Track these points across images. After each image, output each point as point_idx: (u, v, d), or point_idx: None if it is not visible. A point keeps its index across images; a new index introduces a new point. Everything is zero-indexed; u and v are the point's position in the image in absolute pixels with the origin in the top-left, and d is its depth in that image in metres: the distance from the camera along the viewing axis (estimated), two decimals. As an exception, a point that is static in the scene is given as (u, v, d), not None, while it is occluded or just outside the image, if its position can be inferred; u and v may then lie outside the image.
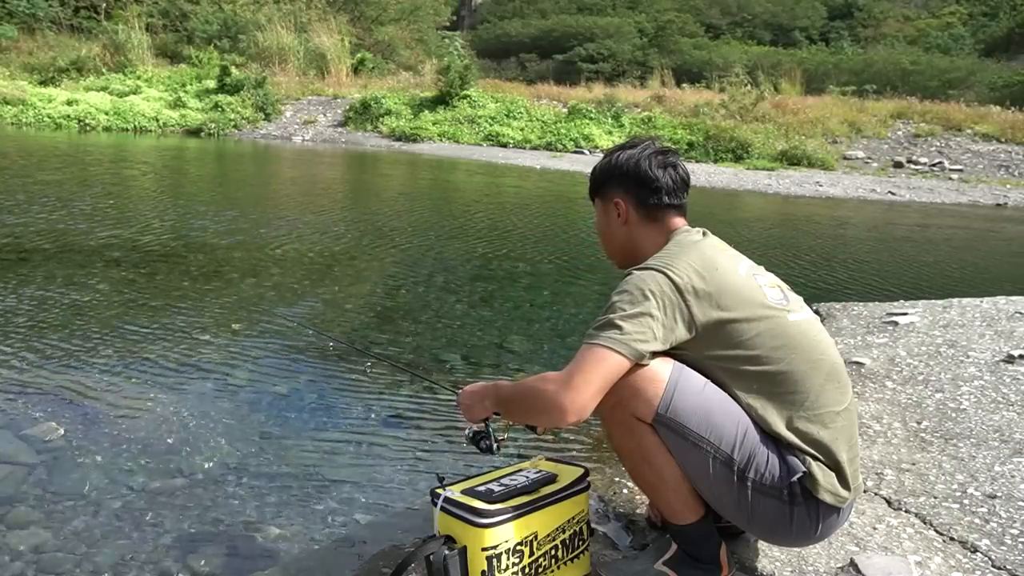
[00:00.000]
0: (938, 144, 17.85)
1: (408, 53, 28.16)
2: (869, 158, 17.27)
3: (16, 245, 5.20)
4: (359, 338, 3.77)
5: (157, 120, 17.60)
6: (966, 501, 1.98)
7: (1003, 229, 10.33)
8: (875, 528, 1.85)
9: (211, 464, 2.36)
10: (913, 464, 2.22)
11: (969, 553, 1.75)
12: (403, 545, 1.94)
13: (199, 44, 23.14)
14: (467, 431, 1.73)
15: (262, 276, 4.87)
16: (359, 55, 24.18)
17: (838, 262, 6.82)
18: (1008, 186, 14.96)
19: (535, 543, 1.53)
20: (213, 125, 17.63)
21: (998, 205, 12.70)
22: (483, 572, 1.46)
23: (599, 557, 1.74)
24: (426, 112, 19.15)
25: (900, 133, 18.57)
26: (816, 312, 4.03)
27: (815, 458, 1.44)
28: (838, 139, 18.09)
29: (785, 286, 1.58)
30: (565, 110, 19.39)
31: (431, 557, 1.47)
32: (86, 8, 25.69)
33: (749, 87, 20.42)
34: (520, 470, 1.69)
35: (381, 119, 18.78)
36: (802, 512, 1.45)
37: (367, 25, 28.76)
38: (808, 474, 1.43)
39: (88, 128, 16.59)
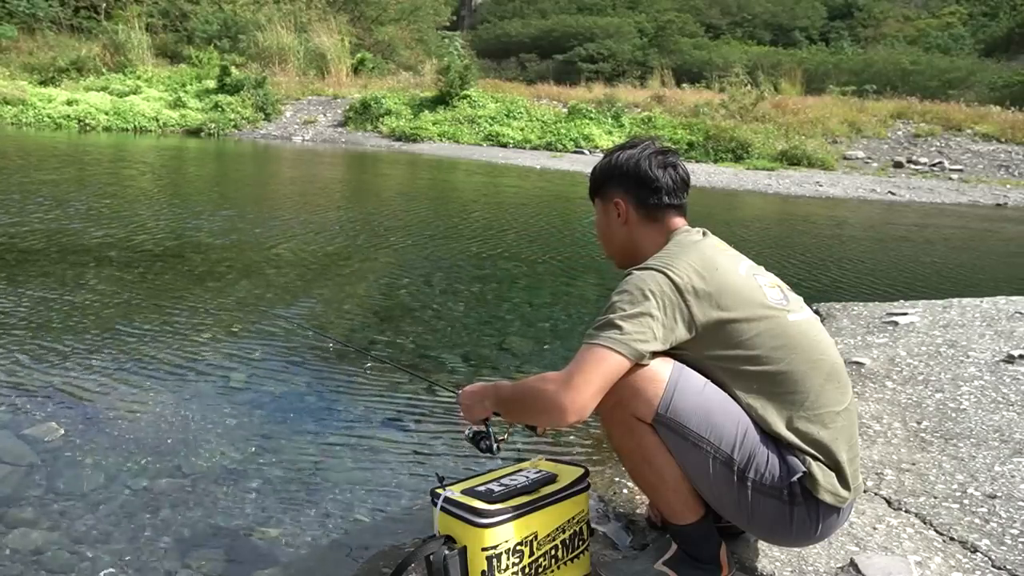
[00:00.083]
0: (938, 144, 17.85)
1: (408, 53, 28.16)
2: (869, 158, 17.27)
3: (12, 245, 5.20)
4: (359, 338, 3.77)
5: (157, 120, 17.60)
6: (966, 501, 1.99)
7: (1003, 229, 10.33)
8: (875, 528, 1.85)
9: (211, 464, 2.36)
10: (913, 464, 2.22)
11: (969, 553, 1.75)
12: (403, 545, 1.94)
13: (199, 44, 23.15)
14: (467, 431, 1.73)
15: (261, 276, 4.87)
16: (359, 55, 24.19)
17: (837, 262, 6.82)
18: (1008, 186, 14.96)
19: (535, 543, 1.53)
20: (213, 125, 17.63)
21: (998, 205, 12.70)
22: (483, 572, 1.46)
23: (599, 557, 1.74)
24: (426, 112, 19.15)
25: (900, 133, 18.57)
26: (816, 312, 4.03)
27: (815, 458, 1.44)
28: (838, 139, 18.09)
29: (785, 286, 1.58)
30: (565, 110, 19.40)
31: (431, 557, 1.47)
32: (86, 8, 25.70)
33: (749, 87, 20.42)
34: (520, 470, 1.69)
35: (381, 119, 18.78)
36: (802, 512, 1.45)
37: (367, 25, 28.76)
38: (808, 474, 1.43)
39: (88, 128, 16.59)
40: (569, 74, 31.99)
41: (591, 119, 18.55)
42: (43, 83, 19.27)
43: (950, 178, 15.71)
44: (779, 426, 1.45)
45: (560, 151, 17.32)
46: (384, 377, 3.21)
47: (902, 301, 4.68)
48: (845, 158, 17.21)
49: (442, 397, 2.95)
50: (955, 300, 4.51)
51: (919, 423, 2.55)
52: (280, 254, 5.53)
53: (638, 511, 2.00)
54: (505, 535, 1.47)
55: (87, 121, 16.75)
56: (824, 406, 1.46)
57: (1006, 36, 35.69)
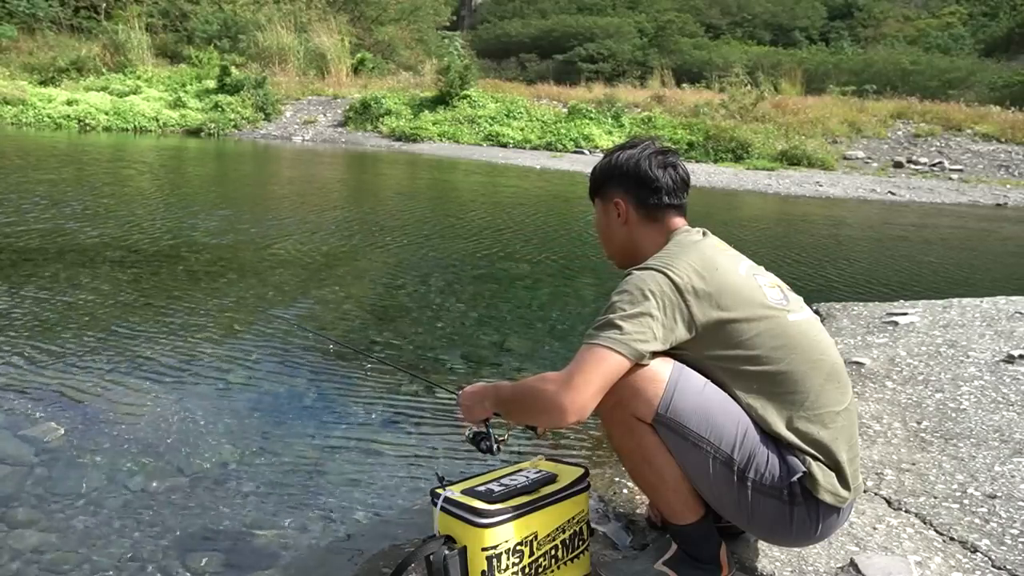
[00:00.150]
0: (938, 144, 17.85)
1: (408, 53, 28.16)
2: (869, 158, 17.27)
3: (11, 245, 5.20)
4: (358, 338, 3.77)
5: (157, 120, 17.60)
6: (966, 501, 1.99)
7: (1003, 229, 10.33)
8: (875, 528, 1.85)
9: (211, 464, 2.36)
10: (913, 464, 2.22)
11: (969, 553, 1.75)
12: (403, 545, 1.94)
13: (199, 44, 23.14)
14: (467, 432, 1.73)
15: (262, 276, 4.87)
16: (359, 55, 24.18)
17: (836, 262, 6.82)
18: (1008, 186, 14.96)
19: (535, 543, 1.53)
20: (213, 125, 17.63)
21: (998, 205, 12.70)
22: (483, 572, 1.46)
23: (599, 557, 1.74)
24: (426, 112, 19.15)
25: (900, 133, 18.57)
26: (816, 312, 4.03)
27: (815, 458, 1.44)
28: (838, 139, 18.08)
29: (785, 286, 1.58)
30: (565, 110, 19.39)
31: (431, 557, 1.47)
32: (86, 8, 25.69)
33: (749, 87, 20.41)
34: (520, 470, 1.69)
35: (381, 119, 18.78)
36: (802, 512, 1.45)
37: (367, 25, 28.76)
38: (808, 474, 1.43)
39: (88, 128, 16.59)
40: (569, 74, 31.99)
41: (591, 119, 18.55)
42: (43, 83, 19.27)
43: (950, 178, 15.70)
44: (779, 426, 1.45)
45: (560, 151, 17.32)
46: (384, 377, 3.22)
47: (902, 301, 4.68)
48: (845, 158, 17.21)
49: (442, 397, 2.95)
50: (955, 300, 4.51)
51: (919, 423, 2.55)
52: (280, 254, 5.53)
53: (638, 511, 2.00)
54: (505, 535, 1.47)
55: (87, 121, 16.74)
56: (824, 406, 1.46)
57: (1006, 36, 35.70)
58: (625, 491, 2.12)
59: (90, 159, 11.46)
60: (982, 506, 1.96)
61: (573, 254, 6.35)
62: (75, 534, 1.96)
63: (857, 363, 3.20)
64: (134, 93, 18.78)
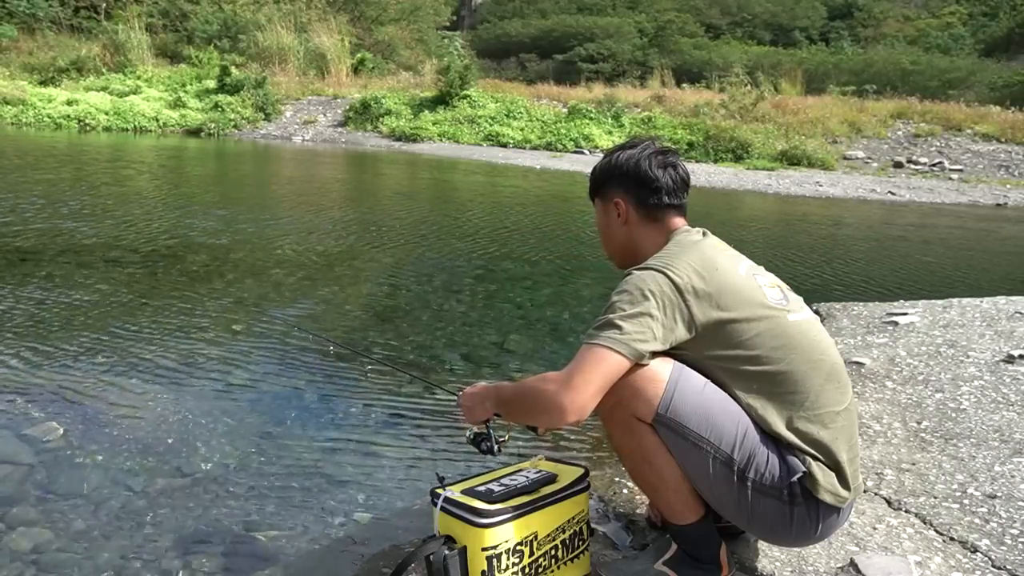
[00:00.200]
0: (938, 144, 17.85)
1: (408, 53, 28.16)
2: (869, 158, 17.27)
3: (8, 244, 5.20)
4: (359, 339, 3.77)
5: (157, 120, 17.60)
6: (966, 501, 1.99)
7: (1003, 229, 10.33)
8: (875, 528, 1.85)
9: (211, 464, 2.36)
10: (913, 464, 2.22)
11: (969, 553, 1.75)
12: (403, 545, 1.94)
13: (199, 44, 23.15)
14: (468, 432, 1.73)
15: (262, 276, 4.87)
16: (359, 55, 24.19)
17: (836, 262, 6.82)
18: (1008, 186, 14.96)
19: (535, 543, 1.53)
20: (213, 125, 17.63)
21: (998, 205, 12.69)
22: (483, 572, 1.46)
23: (599, 557, 1.74)
24: (426, 112, 19.15)
25: (900, 133, 18.57)
26: (816, 312, 4.03)
27: (815, 458, 1.44)
28: (838, 139, 18.08)
29: (785, 286, 1.58)
30: (565, 110, 19.39)
31: (431, 557, 1.47)
32: (86, 8, 25.70)
33: (749, 87, 20.41)
34: (520, 470, 1.69)
35: (381, 119, 18.78)
36: (802, 512, 1.45)
37: (367, 25, 28.76)
38: (808, 474, 1.43)
39: (88, 128, 16.59)
40: (569, 74, 31.99)
41: (591, 119, 18.55)
42: (43, 83, 19.28)
43: (950, 178, 15.70)
44: (779, 426, 1.45)
45: (560, 151, 17.32)
46: (384, 378, 3.21)
47: (902, 301, 4.68)
48: (845, 158, 17.21)
49: (442, 398, 2.94)
50: (955, 300, 4.51)
51: (919, 423, 2.55)
52: (279, 254, 5.53)
53: (638, 511, 2.00)
54: (505, 535, 1.47)
55: (87, 121, 16.75)
56: (824, 406, 1.46)
57: (1006, 36, 35.70)
58: (625, 491, 2.12)
59: (90, 159, 11.46)
60: (982, 506, 1.96)
61: (573, 254, 6.35)
62: (75, 534, 1.96)
63: (857, 363, 3.20)
64: (134, 93, 18.79)
